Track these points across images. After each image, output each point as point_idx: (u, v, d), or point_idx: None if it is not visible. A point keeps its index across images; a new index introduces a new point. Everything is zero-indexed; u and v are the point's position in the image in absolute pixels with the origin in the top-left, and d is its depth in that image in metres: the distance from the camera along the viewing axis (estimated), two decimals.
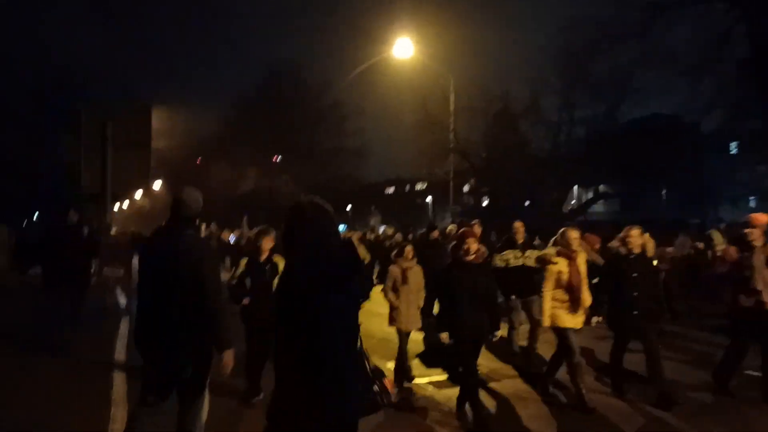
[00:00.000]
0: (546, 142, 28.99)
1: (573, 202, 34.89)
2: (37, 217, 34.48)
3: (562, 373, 6.27)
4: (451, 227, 10.78)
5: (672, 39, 16.02)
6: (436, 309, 5.82)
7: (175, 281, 3.58)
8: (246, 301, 5.74)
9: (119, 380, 6.61)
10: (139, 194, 49.83)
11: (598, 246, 8.63)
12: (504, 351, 7.94)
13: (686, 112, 21.42)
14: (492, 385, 6.69)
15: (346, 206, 49.66)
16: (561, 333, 5.94)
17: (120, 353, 8.04)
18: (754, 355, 6.31)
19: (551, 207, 28.08)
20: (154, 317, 3.66)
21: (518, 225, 7.93)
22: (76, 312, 8.99)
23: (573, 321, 5.89)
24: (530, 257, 7.49)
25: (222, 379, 5.48)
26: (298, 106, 41.65)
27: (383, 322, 10.77)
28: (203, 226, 24.88)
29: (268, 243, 5.89)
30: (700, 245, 11.26)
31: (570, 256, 5.94)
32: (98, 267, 10.39)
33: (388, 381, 2.62)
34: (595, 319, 6.06)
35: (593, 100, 26.89)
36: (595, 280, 6.50)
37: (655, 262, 7.23)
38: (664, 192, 39.41)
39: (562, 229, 6.15)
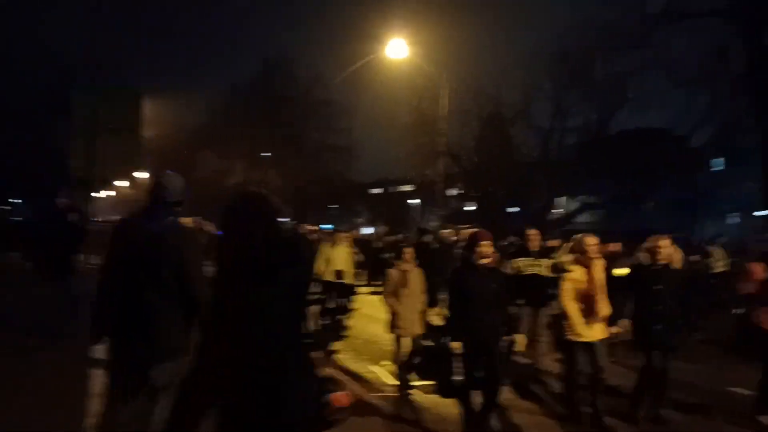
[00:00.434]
0: (536, 149, 29.01)
1: (560, 210, 34.96)
2: (23, 200, 33.94)
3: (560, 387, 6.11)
4: (449, 231, 10.55)
5: (670, 51, 16.01)
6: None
7: (151, 269, 3.32)
8: None
9: (96, 372, 6.41)
10: (125, 183, 49.29)
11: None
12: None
13: (677, 125, 21.52)
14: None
15: (332, 204, 49.48)
16: (568, 347, 5.69)
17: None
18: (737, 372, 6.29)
19: (538, 214, 28.09)
20: (123, 308, 3.37)
21: (533, 232, 7.52)
22: (66, 300, 8.69)
23: (589, 333, 5.58)
24: (543, 266, 7.23)
25: None
26: (288, 100, 41.39)
27: (371, 324, 10.75)
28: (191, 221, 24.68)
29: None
30: (695, 258, 11.19)
31: (586, 263, 5.65)
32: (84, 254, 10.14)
33: (342, 395, 2.39)
34: (615, 330, 5.73)
35: (586, 108, 26.97)
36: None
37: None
38: (650, 204, 39.82)
39: (579, 236, 5.86)
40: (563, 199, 35.59)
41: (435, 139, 28.22)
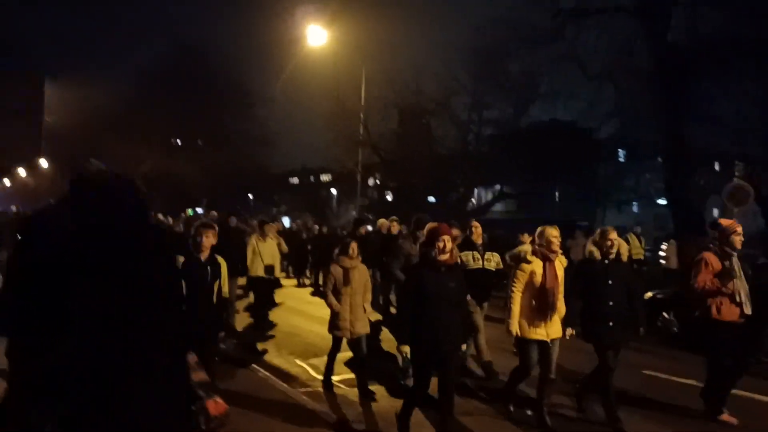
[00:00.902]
0: (455, 141, 29.53)
1: (474, 200, 35.88)
2: None
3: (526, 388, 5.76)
4: (382, 221, 9.94)
5: (581, 46, 16.65)
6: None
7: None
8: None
9: None
10: (23, 171, 45.85)
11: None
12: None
13: (585, 118, 22.50)
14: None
15: (249, 194, 48.39)
16: (522, 345, 5.33)
17: None
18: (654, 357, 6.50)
19: (455, 204, 28.69)
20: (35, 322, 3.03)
21: (476, 224, 7.08)
22: None
23: (543, 331, 5.23)
24: (490, 260, 6.87)
25: None
26: (203, 87, 39.91)
27: (293, 316, 10.53)
28: None
29: (209, 239, 5.08)
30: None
31: (548, 256, 5.27)
32: None
33: (214, 403, 2.13)
34: (569, 332, 5.40)
35: (502, 101, 27.70)
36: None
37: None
38: (557, 194, 41.66)
39: (541, 228, 5.43)
40: (478, 190, 36.58)
41: (354, 129, 28.14)
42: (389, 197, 34.77)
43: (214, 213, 14.17)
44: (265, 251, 9.01)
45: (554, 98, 24.21)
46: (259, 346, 8.09)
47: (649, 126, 18.41)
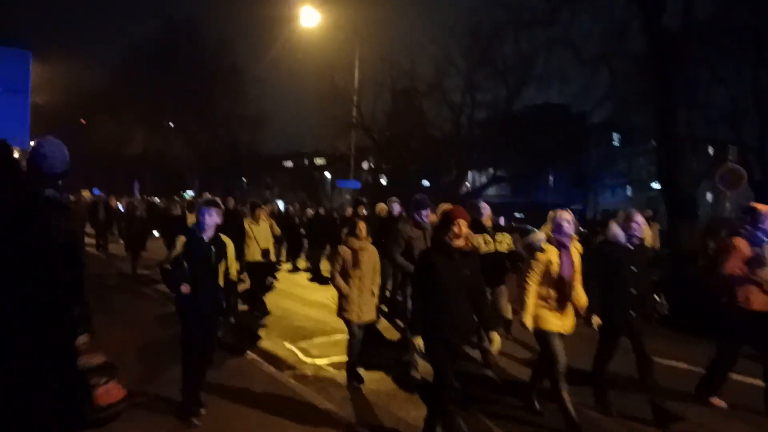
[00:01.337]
0: (448, 123, 29.42)
1: (468, 184, 35.87)
2: None
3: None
4: (381, 205, 9.58)
5: (575, 29, 16.57)
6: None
7: (24, 252, 2.90)
8: (186, 288, 4.57)
9: None
10: (15, 153, 45.36)
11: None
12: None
13: (579, 102, 22.44)
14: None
15: (242, 177, 48.16)
16: (544, 337, 4.86)
17: None
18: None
19: (448, 188, 28.65)
20: None
21: (485, 205, 6.77)
22: None
23: (561, 323, 4.87)
24: (502, 241, 6.53)
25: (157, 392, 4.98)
26: (194, 66, 39.42)
27: (282, 299, 10.48)
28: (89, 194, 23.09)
29: (214, 218, 4.77)
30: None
31: (562, 242, 4.88)
32: None
33: (111, 388, 1.99)
34: (596, 321, 5.02)
35: (496, 84, 27.56)
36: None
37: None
38: (551, 178, 41.74)
39: (552, 212, 5.07)
40: (471, 174, 36.55)
41: (347, 111, 27.99)
42: (383, 181, 34.70)
43: (208, 195, 13.96)
44: (260, 235, 8.79)
45: (548, 81, 24.06)
46: (251, 330, 8.04)
47: (643, 110, 18.35)
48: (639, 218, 5.10)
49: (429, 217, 6.32)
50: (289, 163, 54.48)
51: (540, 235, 5.00)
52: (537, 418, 5.11)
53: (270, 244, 9.06)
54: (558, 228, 4.89)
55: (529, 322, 4.83)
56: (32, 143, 3.11)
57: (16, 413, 1.70)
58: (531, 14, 18.00)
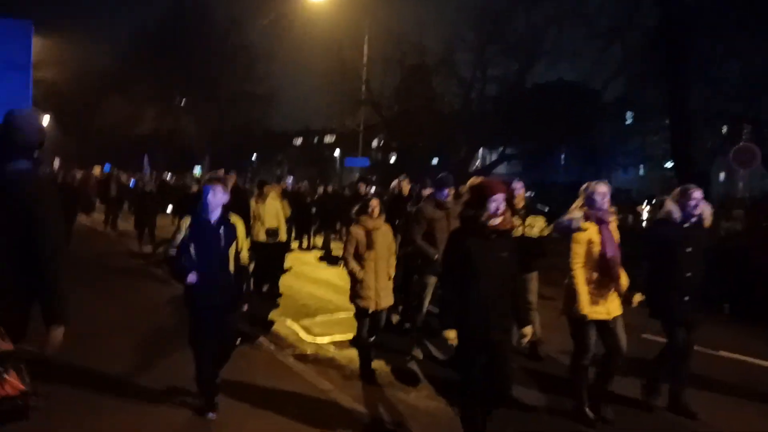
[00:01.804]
0: (458, 99, 29.10)
1: (478, 162, 35.60)
2: None
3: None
4: (395, 184, 8.84)
5: (587, 2, 16.18)
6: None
7: None
8: (193, 277, 4.08)
9: None
10: None
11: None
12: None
13: (591, 79, 22.05)
14: None
15: (252, 154, 48.13)
16: (579, 326, 4.47)
17: None
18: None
19: (458, 165, 28.43)
20: None
21: (518, 186, 6.18)
22: None
23: (604, 309, 4.42)
24: (533, 225, 6.02)
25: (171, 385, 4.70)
26: (203, 44, 39.18)
27: (285, 277, 10.26)
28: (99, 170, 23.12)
29: (218, 196, 4.24)
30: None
31: (602, 219, 4.42)
32: None
33: (9, 382, 1.87)
34: (638, 297, 4.67)
35: (507, 59, 27.18)
36: None
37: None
38: (562, 156, 41.29)
39: (586, 185, 4.62)
40: (482, 151, 36.25)
41: (356, 87, 27.73)
42: (392, 159, 34.52)
43: (222, 171, 13.66)
44: (267, 213, 8.42)
45: (559, 56, 23.65)
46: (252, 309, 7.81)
47: (655, 87, 17.99)
48: (697, 193, 4.58)
49: (449, 196, 5.96)
50: (298, 141, 54.33)
51: (576, 213, 4.52)
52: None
53: (280, 223, 8.63)
54: (592, 202, 4.46)
55: (587, 310, 4.35)
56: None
57: None
58: None
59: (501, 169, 34.63)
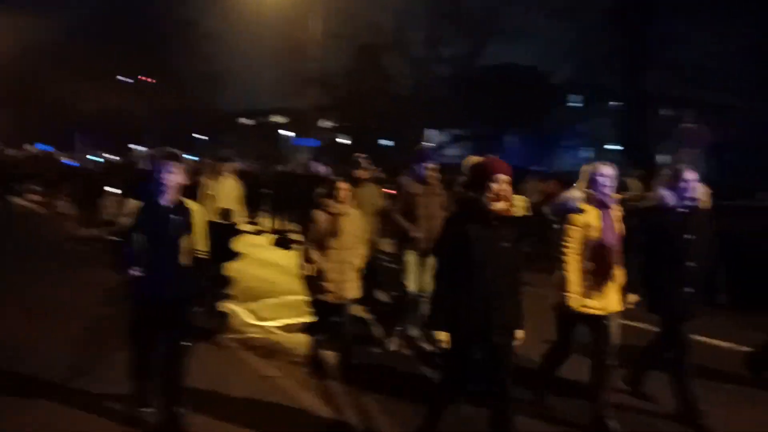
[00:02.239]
0: (411, 80, 28.86)
1: (430, 144, 35.57)
2: None
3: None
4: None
5: None
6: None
7: None
8: (137, 271, 3.58)
9: None
10: None
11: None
12: None
13: (543, 61, 22.17)
14: None
15: (198, 134, 46.86)
16: (567, 320, 4.09)
17: None
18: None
19: (410, 146, 28.25)
20: None
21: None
22: None
23: (600, 304, 3.98)
24: (517, 206, 5.38)
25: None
26: (147, 19, 37.81)
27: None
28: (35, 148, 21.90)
29: (176, 176, 3.70)
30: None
31: (604, 203, 4.01)
32: None
33: None
34: (633, 299, 4.17)
35: (460, 38, 27.07)
36: None
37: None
38: (512, 139, 41.76)
39: (587, 164, 4.21)
40: (433, 132, 36.22)
41: (306, 66, 27.12)
42: (344, 140, 34.10)
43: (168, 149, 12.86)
44: (220, 192, 7.83)
45: (513, 36, 23.66)
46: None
47: (605, 70, 18.17)
48: (690, 174, 4.17)
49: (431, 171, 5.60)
50: (247, 121, 53.20)
51: (575, 193, 4.10)
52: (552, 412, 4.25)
53: (233, 204, 8.04)
54: (594, 183, 4.00)
55: (575, 303, 3.94)
56: None
57: None
58: None
59: (452, 150, 34.67)
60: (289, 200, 13.02)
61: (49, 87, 39.43)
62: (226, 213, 7.81)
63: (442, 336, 3.30)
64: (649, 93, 13.66)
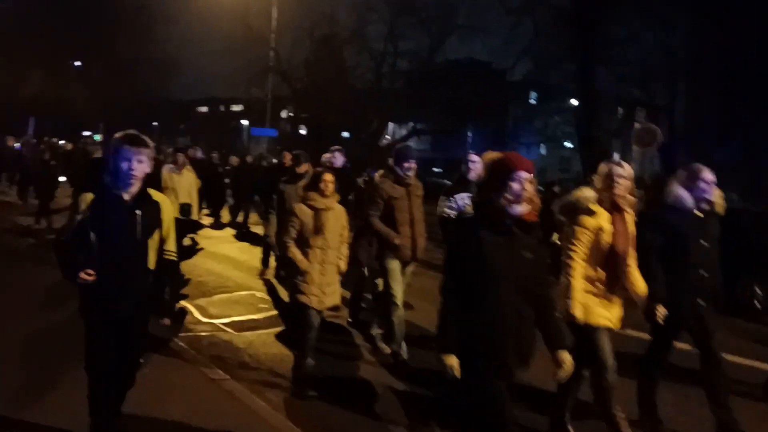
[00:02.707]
0: (370, 73, 28.75)
1: (388, 137, 35.55)
2: None
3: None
4: (328, 155, 7.42)
5: None
6: None
7: None
8: (88, 275, 2.83)
9: None
10: None
11: None
12: None
13: (500, 57, 22.41)
14: None
15: (151, 122, 45.66)
16: (590, 335, 3.58)
17: None
18: None
19: (368, 140, 28.17)
20: None
21: (475, 157, 5.31)
22: None
23: (608, 314, 3.62)
24: None
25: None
26: (97, 3, 36.39)
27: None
28: None
29: (142, 164, 3.02)
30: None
31: (618, 206, 3.63)
32: None
33: None
34: (661, 311, 3.68)
35: (418, 33, 27.11)
36: None
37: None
38: (469, 134, 42.12)
39: (604, 164, 3.76)
40: (391, 126, 36.20)
41: (264, 55, 26.73)
42: (302, 131, 33.77)
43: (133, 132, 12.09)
44: (181, 187, 7.45)
45: (471, 32, 23.80)
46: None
47: (561, 68, 18.46)
48: (709, 175, 3.81)
49: (411, 171, 5.09)
50: (204, 109, 52.14)
51: (587, 193, 3.70)
52: None
53: (193, 199, 7.69)
54: (610, 184, 3.62)
55: (579, 312, 3.55)
56: None
57: None
58: None
59: (412, 144, 34.73)
60: (250, 191, 12.56)
61: None
62: (185, 208, 7.34)
63: (452, 361, 2.73)
64: (602, 92, 13.93)
